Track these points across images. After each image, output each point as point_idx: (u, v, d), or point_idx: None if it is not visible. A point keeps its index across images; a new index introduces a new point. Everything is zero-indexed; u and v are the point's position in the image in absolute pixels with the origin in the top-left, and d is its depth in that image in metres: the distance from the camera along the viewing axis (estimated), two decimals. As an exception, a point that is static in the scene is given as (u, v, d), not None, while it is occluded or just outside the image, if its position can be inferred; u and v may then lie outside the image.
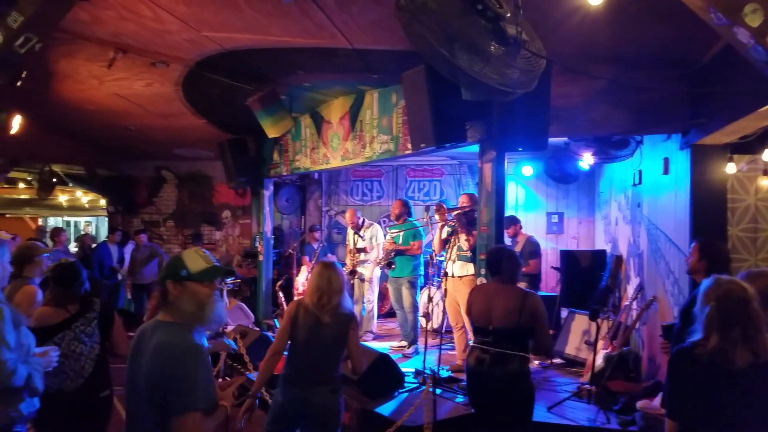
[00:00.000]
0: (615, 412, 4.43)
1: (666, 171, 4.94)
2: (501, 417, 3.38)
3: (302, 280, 7.77)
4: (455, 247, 5.57)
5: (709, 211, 4.32)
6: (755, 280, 2.55)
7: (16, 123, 5.79)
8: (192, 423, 1.84)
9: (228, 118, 6.70)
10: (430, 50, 2.38)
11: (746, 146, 4.20)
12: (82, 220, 16.97)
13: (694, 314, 2.30)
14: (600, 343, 5.08)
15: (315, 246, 8.15)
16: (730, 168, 4.28)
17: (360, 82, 5.30)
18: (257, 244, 7.79)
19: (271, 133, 5.78)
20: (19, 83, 3.89)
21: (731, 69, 3.61)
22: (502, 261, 3.47)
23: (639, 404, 4.26)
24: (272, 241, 7.88)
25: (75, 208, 15.16)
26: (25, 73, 3.86)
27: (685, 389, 2.24)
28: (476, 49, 2.42)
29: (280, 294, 7.30)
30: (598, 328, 5.01)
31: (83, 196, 14.18)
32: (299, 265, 8.01)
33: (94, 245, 9.85)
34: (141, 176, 10.02)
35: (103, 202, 11.36)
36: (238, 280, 7.70)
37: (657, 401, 4.12)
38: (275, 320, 7.08)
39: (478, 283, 4.53)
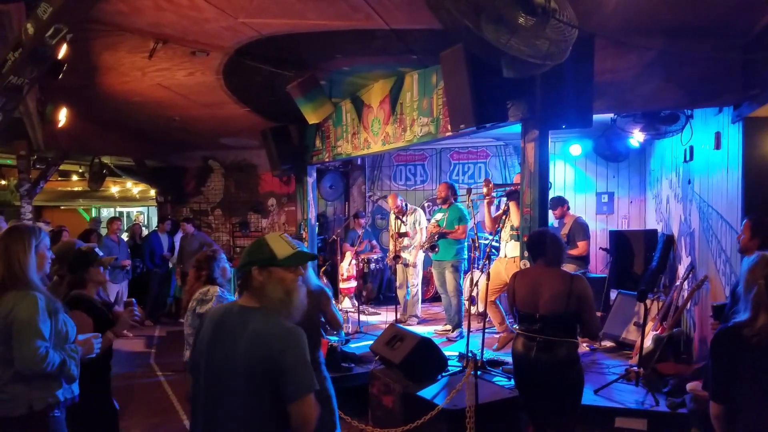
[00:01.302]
0: (664, 395, 4.34)
1: (717, 146, 4.74)
2: (549, 403, 3.35)
3: (346, 265, 7.86)
4: (508, 227, 5.53)
5: (762, 186, 4.14)
6: None
7: (63, 116, 5.99)
8: (309, 405, 1.87)
9: (270, 106, 6.79)
10: (455, 23, 2.34)
11: (802, 117, 3.99)
12: (133, 210, 17.60)
13: (738, 294, 2.23)
14: (649, 325, 4.96)
15: (359, 232, 8.22)
16: (786, 141, 4.07)
17: (400, 63, 5.28)
18: (302, 231, 7.92)
19: (312, 119, 5.83)
20: (60, 76, 4.06)
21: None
22: (546, 245, 3.36)
23: (689, 386, 4.14)
24: (317, 228, 7.99)
25: (126, 199, 15.72)
26: (65, 65, 4.01)
27: (731, 370, 2.18)
28: (503, 20, 2.36)
29: (325, 279, 7.41)
30: (647, 309, 4.88)
31: (133, 187, 14.67)
32: (343, 251, 8.10)
33: (144, 234, 10.22)
34: (188, 166, 10.29)
35: (152, 192, 11.74)
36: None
37: (709, 383, 4.01)
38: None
39: (521, 265, 4.48)
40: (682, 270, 5.86)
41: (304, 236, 7.79)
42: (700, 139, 5.33)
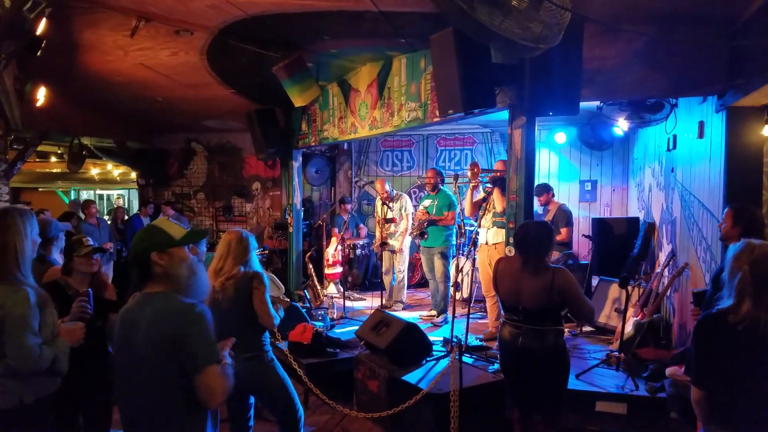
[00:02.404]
0: (644, 379, 4.42)
1: (701, 135, 4.80)
2: (535, 389, 3.39)
3: (332, 251, 7.85)
4: (490, 214, 5.55)
5: (744, 175, 4.20)
6: None
7: (42, 95, 5.84)
8: (215, 374, 1.90)
9: (255, 88, 6.71)
10: (449, 5, 2.32)
11: (785, 108, 4.04)
12: (114, 193, 17.35)
13: (722, 280, 2.25)
14: (630, 311, 5.04)
15: (345, 217, 8.20)
16: (767, 131, 4.13)
17: (388, 47, 5.23)
18: (287, 216, 7.87)
19: (298, 101, 5.77)
20: (38, 53, 3.95)
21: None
22: (531, 239, 3.32)
23: (668, 371, 4.23)
24: (302, 213, 7.94)
25: (106, 181, 15.48)
26: (44, 42, 3.90)
27: (714, 356, 2.21)
28: (497, 2, 2.35)
29: (310, 265, 7.40)
30: (628, 295, 4.96)
31: (114, 169, 14.44)
32: (329, 236, 8.08)
33: (126, 218, 10.09)
34: (171, 148, 10.13)
35: (133, 174, 11.56)
36: (266, 251, 7.83)
37: (687, 368, 4.09)
38: (305, 291, 7.18)
39: (507, 252, 4.51)
40: (662, 257, 5.95)
41: (289, 221, 7.75)
42: (683, 128, 5.38)
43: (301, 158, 7.73)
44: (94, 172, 14.66)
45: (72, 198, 15.91)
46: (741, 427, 2.13)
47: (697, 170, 4.97)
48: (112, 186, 16.34)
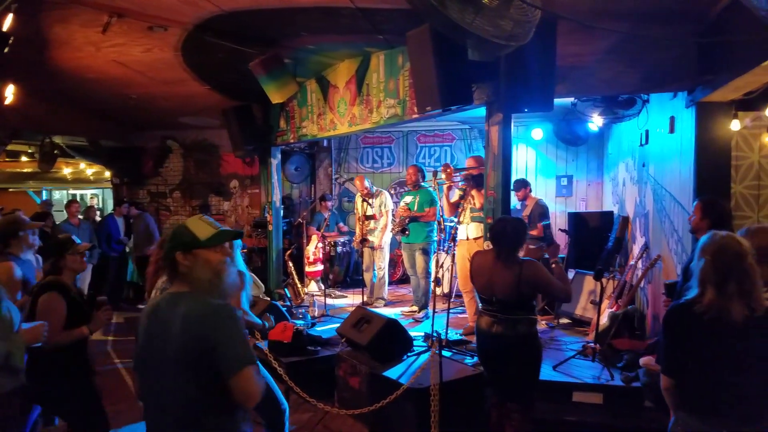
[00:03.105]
0: (619, 369, 4.51)
1: (672, 130, 4.91)
2: (511, 376, 3.50)
3: (312, 249, 7.84)
4: (468, 209, 5.61)
5: (713, 168, 4.33)
6: (754, 236, 2.58)
7: (10, 92, 5.72)
8: (250, 376, 1.87)
9: (232, 85, 6.65)
10: (421, 2, 2.33)
11: (751, 103, 4.18)
12: (87, 193, 17.03)
13: (690, 270, 2.32)
14: (605, 303, 5.14)
15: (326, 215, 8.19)
16: (735, 125, 4.25)
17: (366, 43, 5.23)
18: (266, 214, 7.82)
19: (276, 98, 5.74)
20: (6, 49, 3.87)
21: (737, 24, 3.57)
22: (507, 234, 3.46)
23: (642, 361, 4.33)
24: (282, 211, 7.91)
25: (79, 181, 15.16)
26: (12, 38, 3.83)
27: (682, 345, 2.27)
28: (468, -1, 2.37)
29: (291, 263, 7.37)
30: (603, 287, 5.06)
31: (87, 168, 14.17)
32: (309, 234, 8.06)
33: (99, 218, 9.93)
34: (146, 146, 9.97)
35: (108, 174, 11.36)
36: (245, 250, 7.78)
37: (660, 358, 4.20)
38: (285, 289, 7.16)
39: (485, 246, 4.56)
40: (636, 250, 6.07)
41: (268, 219, 7.71)
42: (655, 123, 5.50)
43: (279, 155, 7.69)
44: (67, 171, 14.34)
45: (44, 198, 15.58)
46: (708, 414, 2.20)
47: (668, 164, 5.09)
48: (86, 185, 16.02)
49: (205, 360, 1.84)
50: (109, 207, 13.64)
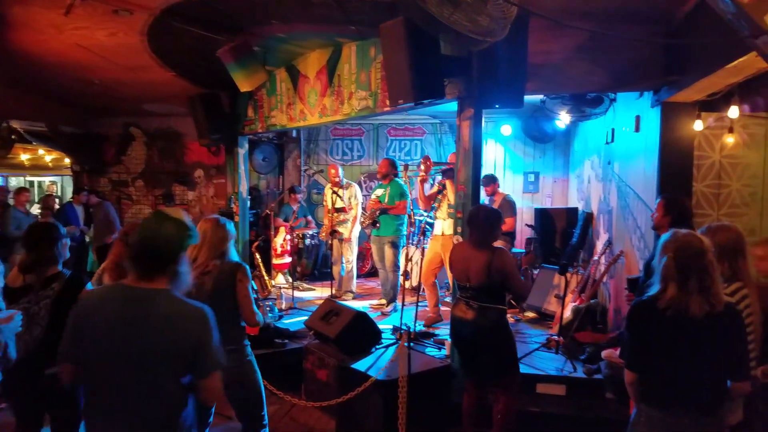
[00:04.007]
0: (581, 362, 4.62)
1: (637, 129, 5.03)
2: (487, 361, 3.62)
3: (280, 241, 7.76)
4: (446, 204, 5.64)
5: (676, 167, 4.46)
6: (715, 234, 2.66)
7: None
8: (216, 380, 1.98)
9: (199, 71, 6.49)
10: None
11: (714, 104, 4.31)
12: (46, 180, 16.46)
13: (652, 267, 2.38)
14: (569, 297, 5.25)
15: (294, 207, 8.11)
16: (698, 125, 4.38)
17: (338, 34, 5.17)
18: (232, 205, 7.69)
19: (244, 86, 5.63)
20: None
21: (703, 25, 3.67)
22: (481, 219, 3.64)
23: (604, 353, 4.44)
24: (249, 202, 7.79)
25: (37, 167, 14.62)
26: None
27: (644, 340, 2.33)
28: (446, -7, 2.38)
29: (258, 255, 7.28)
30: (567, 282, 5.16)
31: (46, 155, 13.70)
32: (277, 226, 7.97)
33: (58, 206, 9.61)
34: (108, 133, 9.66)
35: (67, 160, 11.00)
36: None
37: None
38: (252, 282, 7.07)
39: (455, 240, 4.60)
40: (600, 245, 6.22)
41: (234, 210, 7.58)
42: (621, 122, 5.62)
43: (247, 145, 7.56)
44: (24, 157, 13.80)
45: (0, 185, 15.00)
46: (670, 405, 2.27)
47: (633, 162, 5.21)
48: (44, 172, 15.47)
49: (183, 360, 1.89)
50: (69, 195, 13.21)
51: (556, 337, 5.08)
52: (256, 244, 7.38)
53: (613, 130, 5.82)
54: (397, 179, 6.40)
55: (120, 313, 1.91)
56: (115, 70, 6.32)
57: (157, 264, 1.94)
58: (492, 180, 6.60)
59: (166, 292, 1.94)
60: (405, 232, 6.35)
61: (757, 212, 4.44)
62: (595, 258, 5.99)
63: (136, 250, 1.95)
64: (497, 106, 4.36)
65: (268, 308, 5.77)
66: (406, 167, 5.53)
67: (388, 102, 4.63)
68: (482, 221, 3.61)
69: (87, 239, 8.78)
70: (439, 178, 5.73)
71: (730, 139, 4.40)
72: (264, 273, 7.28)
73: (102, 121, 9.52)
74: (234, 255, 3.19)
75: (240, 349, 3.14)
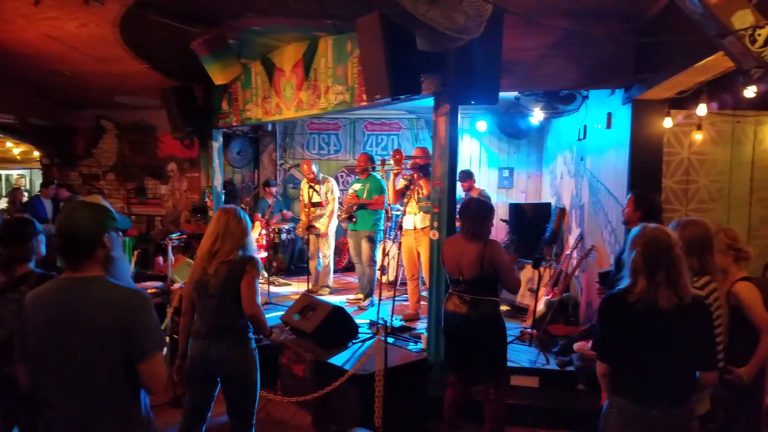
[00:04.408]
0: (554, 354, 4.71)
1: (609, 125, 5.12)
2: (479, 356, 3.62)
3: (255, 236, 7.71)
4: (415, 199, 5.66)
5: (646, 163, 4.56)
6: (684, 229, 2.73)
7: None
8: (158, 362, 1.91)
9: (173, 64, 6.40)
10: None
11: (683, 101, 4.42)
12: (14, 173, 16.04)
13: (623, 261, 2.42)
14: (542, 290, 5.34)
15: (270, 201, 8.06)
16: (668, 122, 4.48)
17: (315, 28, 5.14)
18: (206, 199, 7.61)
19: (218, 79, 5.58)
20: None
21: (673, 25, 3.75)
22: (473, 210, 3.64)
23: (576, 346, 4.54)
24: (223, 196, 7.72)
25: (5, 160, 14.29)
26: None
27: (615, 333, 2.38)
28: (422, -10, 2.40)
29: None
30: (540, 276, 5.26)
31: (14, 147, 13.36)
32: (252, 220, 7.91)
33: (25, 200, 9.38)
34: (78, 126, 9.48)
35: (37, 153, 10.74)
36: (184, 236, 7.56)
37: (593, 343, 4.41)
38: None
39: (431, 235, 4.64)
40: (572, 240, 6.32)
41: (209, 204, 7.51)
42: (593, 118, 5.72)
43: (221, 138, 7.48)
44: (-9, 150, 13.47)
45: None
46: (641, 397, 2.32)
47: (604, 159, 5.31)
48: (13, 165, 15.08)
49: (120, 345, 1.85)
50: (38, 189, 12.90)
51: (529, 329, 5.16)
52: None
53: (585, 126, 5.92)
54: (374, 174, 6.41)
55: (56, 306, 1.89)
56: (86, 61, 6.20)
57: (79, 251, 1.90)
58: (468, 176, 6.67)
59: (100, 278, 1.91)
60: (382, 227, 6.37)
61: (724, 208, 4.57)
62: (568, 252, 6.09)
63: (57, 242, 1.92)
64: (473, 102, 4.41)
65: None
66: (383, 162, 5.54)
67: (365, 97, 4.62)
68: (474, 213, 3.62)
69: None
70: (406, 173, 5.74)
71: (698, 136, 4.51)
72: (239, 268, 7.22)
73: (72, 113, 9.33)
74: (252, 247, 3.15)
75: (246, 343, 3.09)
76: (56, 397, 1.89)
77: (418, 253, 5.73)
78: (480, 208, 3.66)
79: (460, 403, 3.77)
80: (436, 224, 4.49)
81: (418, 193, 5.64)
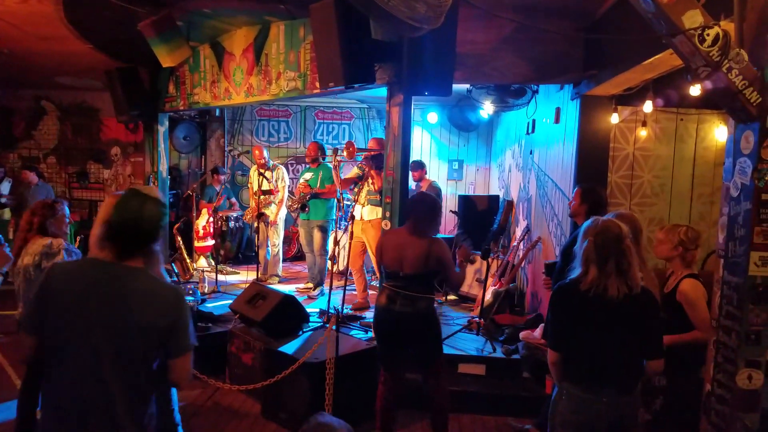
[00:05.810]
0: (500, 343, 4.83)
1: (557, 120, 5.26)
2: (413, 352, 3.60)
3: (203, 223, 7.54)
4: (365, 191, 5.66)
5: (593, 158, 4.70)
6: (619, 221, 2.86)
7: None
8: (188, 361, 1.97)
9: (118, 44, 6.14)
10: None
11: (629, 98, 4.57)
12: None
13: (574, 252, 2.49)
14: (489, 281, 5.46)
15: (217, 188, 7.88)
16: (614, 118, 4.64)
17: (266, 12, 5.04)
18: (151, 184, 7.36)
19: (166, 62, 5.40)
20: None
21: (623, 22, 3.86)
22: (421, 210, 3.56)
23: (522, 335, 4.68)
24: (168, 182, 7.50)
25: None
26: None
27: (566, 321, 2.46)
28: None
29: (178, 237, 7.04)
30: (489, 266, 5.38)
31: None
32: (199, 208, 7.72)
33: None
34: (17, 106, 9.02)
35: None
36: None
37: (537, 332, 4.55)
38: (173, 264, 6.84)
39: (384, 226, 4.66)
40: (519, 232, 6.49)
41: (154, 190, 7.27)
42: (542, 113, 5.87)
43: (167, 123, 7.25)
44: None
45: None
46: (590, 384, 2.39)
47: (552, 153, 5.46)
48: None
49: (158, 339, 1.88)
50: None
51: (477, 319, 5.27)
52: (177, 226, 7.13)
53: (534, 121, 6.06)
54: (326, 163, 6.37)
55: (95, 288, 1.86)
56: (26, 39, 5.88)
57: (140, 244, 1.93)
58: (420, 166, 6.72)
59: (143, 270, 1.93)
60: (334, 216, 6.34)
61: (666, 203, 4.77)
62: (515, 244, 6.25)
63: (118, 230, 1.90)
64: (427, 93, 4.42)
65: (190, 291, 5.62)
66: (335, 152, 5.51)
67: (318, 84, 4.58)
68: (426, 210, 3.54)
69: (7, 217, 8.17)
70: (362, 162, 5.73)
71: (643, 133, 4.69)
72: (186, 256, 7.06)
73: (10, 93, 8.91)
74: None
75: None
76: (72, 379, 1.86)
77: (364, 244, 5.75)
78: (434, 207, 3.60)
79: (393, 404, 3.69)
80: (388, 214, 4.51)
81: (369, 185, 5.64)
